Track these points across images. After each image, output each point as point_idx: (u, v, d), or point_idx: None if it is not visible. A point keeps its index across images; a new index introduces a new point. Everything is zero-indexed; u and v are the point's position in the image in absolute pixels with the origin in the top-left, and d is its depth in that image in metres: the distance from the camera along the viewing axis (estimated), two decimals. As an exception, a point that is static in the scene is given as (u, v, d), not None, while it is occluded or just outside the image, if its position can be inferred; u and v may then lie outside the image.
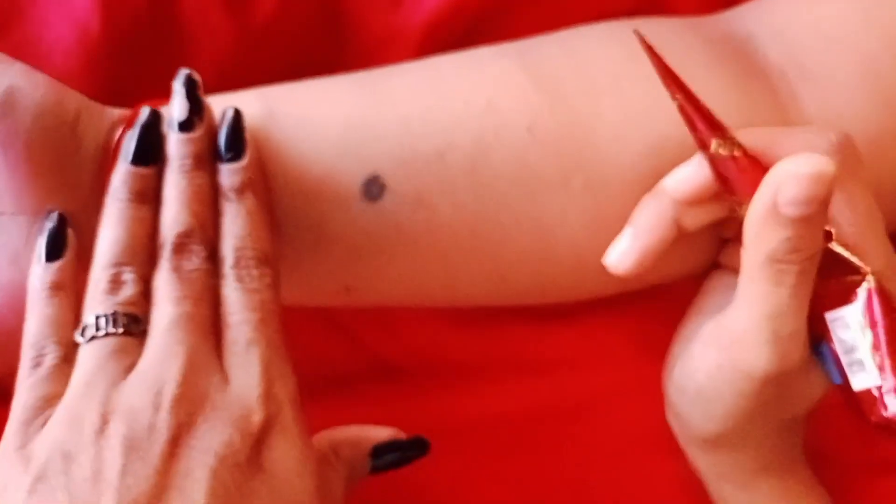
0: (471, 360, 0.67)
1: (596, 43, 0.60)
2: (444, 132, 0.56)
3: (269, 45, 0.65)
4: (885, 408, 0.51)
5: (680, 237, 0.55)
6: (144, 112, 0.53)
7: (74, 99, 0.53)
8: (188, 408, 0.47)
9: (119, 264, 0.51)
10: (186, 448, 0.46)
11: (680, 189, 0.55)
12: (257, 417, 0.48)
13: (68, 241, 0.52)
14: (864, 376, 0.52)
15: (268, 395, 0.48)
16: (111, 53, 0.63)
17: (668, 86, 0.53)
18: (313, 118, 0.56)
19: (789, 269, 0.50)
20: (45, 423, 0.48)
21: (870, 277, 0.52)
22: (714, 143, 0.53)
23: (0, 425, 0.49)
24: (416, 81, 0.58)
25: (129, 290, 0.50)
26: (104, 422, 0.46)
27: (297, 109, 0.56)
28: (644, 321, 0.64)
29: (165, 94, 0.53)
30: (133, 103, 0.55)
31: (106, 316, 0.49)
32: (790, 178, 0.49)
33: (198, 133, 0.52)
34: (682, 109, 0.53)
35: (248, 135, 0.53)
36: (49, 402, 0.48)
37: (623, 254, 0.56)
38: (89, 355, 0.49)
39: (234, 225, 0.52)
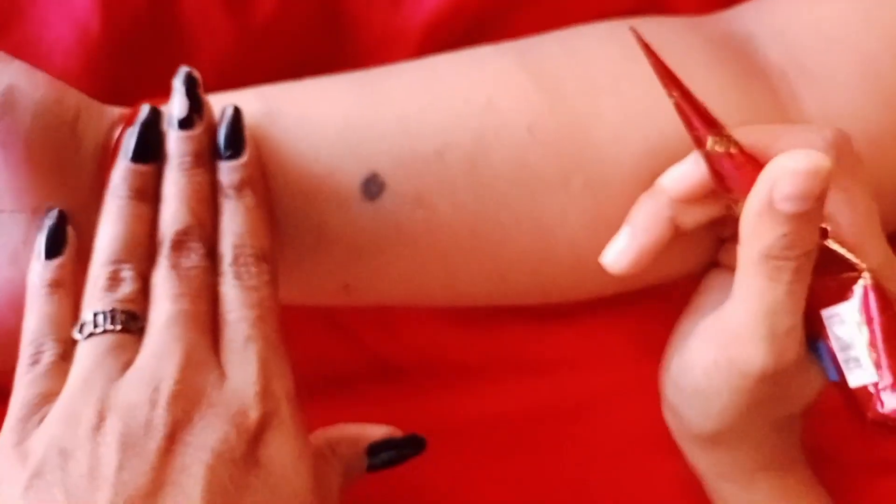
0: (471, 360, 0.67)
1: (596, 42, 0.60)
2: (444, 131, 0.56)
3: (269, 45, 0.65)
4: (882, 404, 0.51)
5: (677, 236, 0.55)
6: (144, 109, 0.53)
7: (74, 97, 0.54)
8: (185, 404, 0.47)
9: (118, 261, 0.51)
10: (183, 444, 0.46)
11: (676, 186, 0.55)
12: (254, 414, 0.48)
13: (68, 239, 0.52)
14: (860, 373, 0.52)
15: (265, 392, 0.48)
16: (111, 53, 0.63)
17: (664, 83, 0.53)
18: (312, 117, 0.56)
19: (785, 265, 0.50)
20: (42, 420, 0.48)
21: (866, 274, 0.52)
22: (710, 141, 0.53)
23: (-1, 422, 0.49)
24: (415, 80, 0.58)
25: (127, 287, 0.50)
26: (101, 418, 0.46)
27: (296, 108, 0.56)
28: (644, 321, 0.64)
29: (165, 94, 0.53)
30: (133, 103, 0.55)
31: (104, 313, 0.49)
32: (786, 173, 0.49)
33: (197, 131, 0.52)
34: (678, 107, 0.53)
35: (247, 132, 0.53)
36: (47, 398, 0.48)
37: (620, 253, 0.56)
38: (87, 352, 0.49)
39: (233, 222, 0.52)
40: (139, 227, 0.51)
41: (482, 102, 0.57)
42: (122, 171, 0.52)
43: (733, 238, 0.53)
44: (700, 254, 0.59)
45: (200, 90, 0.53)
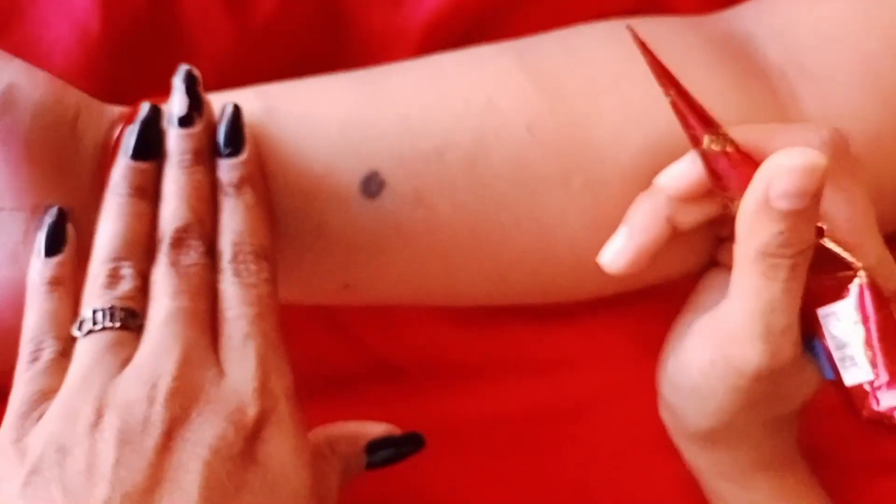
0: (471, 360, 0.67)
1: (596, 42, 0.60)
2: (444, 131, 0.56)
3: (269, 44, 0.65)
4: (878, 402, 0.51)
5: (674, 236, 0.55)
6: (145, 107, 0.53)
7: (74, 96, 0.54)
8: (183, 401, 0.47)
9: (117, 259, 0.51)
10: (180, 441, 0.46)
11: (673, 185, 0.54)
12: (252, 411, 0.48)
13: (68, 237, 0.52)
14: (855, 371, 0.52)
15: (263, 390, 0.48)
16: (111, 53, 0.63)
17: (661, 82, 0.53)
18: (312, 116, 0.56)
19: (782, 263, 0.50)
20: (41, 417, 0.48)
21: (862, 273, 0.52)
22: (706, 139, 0.53)
23: (-1, 421, 0.49)
24: (415, 80, 0.58)
25: (126, 284, 0.50)
26: (99, 415, 0.46)
27: (296, 107, 0.56)
28: (644, 321, 0.64)
29: (165, 94, 0.54)
30: (133, 103, 0.55)
31: (103, 310, 0.49)
32: (782, 171, 0.49)
33: (197, 129, 0.53)
34: (674, 106, 0.53)
35: (247, 130, 0.53)
36: (46, 395, 0.48)
37: (618, 253, 0.56)
38: (86, 349, 0.49)
39: (233, 220, 0.52)
40: (139, 224, 0.52)
41: (482, 102, 0.57)
42: (122, 169, 0.52)
43: (732, 237, 0.53)
44: (699, 253, 0.59)
45: (200, 88, 0.53)
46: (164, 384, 0.47)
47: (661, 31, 0.60)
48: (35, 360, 0.49)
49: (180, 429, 0.46)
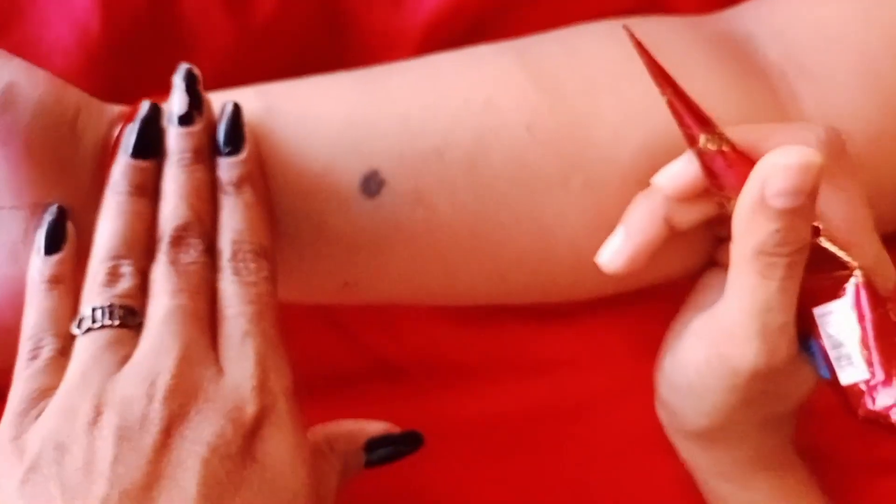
0: (471, 360, 0.67)
1: (595, 42, 0.60)
2: (444, 130, 0.56)
3: (269, 44, 0.65)
4: (873, 402, 0.51)
5: (672, 236, 0.55)
6: (145, 106, 0.53)
7: (74, 95, 0.54)
8: (181, 399, 0.47)
9: (117, 257, 0.51)
10: (179, 438, 0.46)
11: (670, 185, 0.54)
12: (251, 409, 0.48)
13: (67, 235, 0.52)
14: (851, 371, 0.52)
15: (262, 388, 0.48)
16: (111, 53, 0.63)
17: (657, 82, 0.53)
18: (312, 115, 0.56)
19: (778, 261, 0.50)
20: (40, 415, 0.48)
21: (857, 272, 0.52)
22: (702, 139, 0.53)
23: (-2, 420, 0.49)
24: (415, 79, 0.58)
25: (126, 282, 0.50)
26: (97, 413, 0.46)
27: (296, 106, 0.56)
28: (644, 321, 0.64)
29: (165, 94, 0.54)
30: (133, 103, 0.55)
31: (102, 308, 0.49)
32: (777, 169, 0.49)
33: (197, 127, 0.53)
34: (671, 105, 0.53)
35: (247, 129, 0.53)
36: (45, 393, 0.48)
37: (615, 252, 0.56)
38: (85, 347, 0.49)
39: (232, 219, 0.52)
40: (139, 223, 0.52)
41: (482, 102, 0.57)
42: (122, 167, 0.52)
43: (730, 237, 0.54)
44: (698, 253, 0.59)
45: (200, 87, 0.53)
46: (163, 382, 0.47)
47: (661, 30, 0.61)
48: (34, 357, 0.49)
49: (179, 426, 0.46)
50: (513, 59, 0.58)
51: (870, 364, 0.51)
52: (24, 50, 0.60)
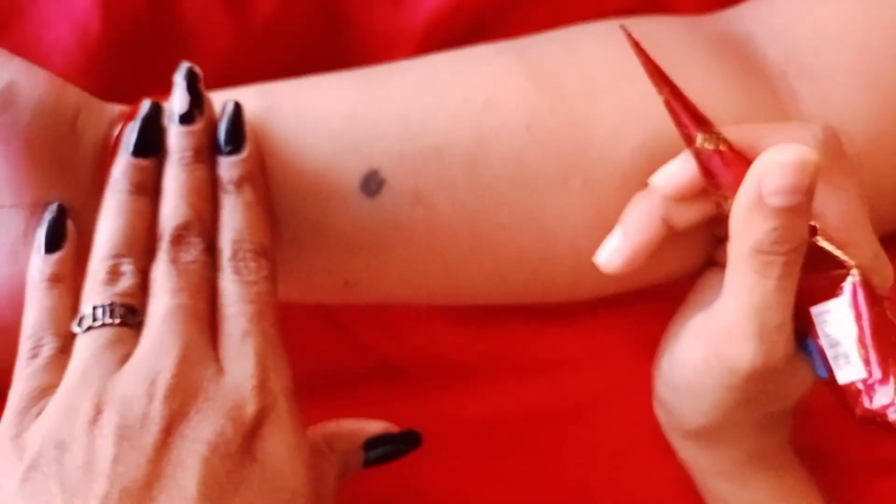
0: (471, 360, 0.67)
1: (595, 41, 0.60)
2: (444, 130, 0.56)
3: (269, 44, 0.65)
4: (871, 400, 0.51)
5: (671, 236, 0.55)
6: (146, 104, 0.53)
7: (74, 95, 0.54)
8: (182, 398, 0.47)
9: (117, 256, 0.51)
10: (179, 437, 0.46)
11: (668, 184, 0.54)
12: (251, 408, 0.48)
13: (68, 233, 0.52)
14: (849, 369, 0.52)
15: (262, 387, 0.48)
16: (111, 53, 0.63)
17: (654, 81, 0.53)
18: (312, 114, 0.56)
19: (775, 260, 0.50)
20: (40, 413, 0.48)
21: (854, 271, 0.52)
22: (699, 138, 0.53)
23: (-1, 419, 0.49)
24: (415, 79, 0.58)
25: (126, 281, 0.50)
26: (98, 411, 0.46)
27: (296, 105, 0.56)
28: (644, 321, 0.64)
29: (166, 94, 0.54)
30: (133, 103, 0.55)
31: (103, 307, 0.49)
32: (774, 167, 0.49)
33: (198, 126, 0.53)
34: (668, 105, 0.53)
35: (247, 128, 0.53)
36: (45, 392, 0.48)
37: (614, 252, 0.56)
38: (85, 345, 0.49)
39: (233, 218, 0.52)
40: (139, 221, 0.52)
41: (482, 102, 0.57)
42: (122, 166, 0.52)
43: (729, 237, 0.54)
44: (697, 253, 0.59)
45: (201, 85, 0.53)
46: (164, 381, 0.47)
47: (661, 30, 0.61)
48: (34, 356, 0.49)
49: (179, 425, 0.46)
50: (513, 59, 0.59)
51: (867, 363, 0.51)
52: (24, 50, 0.59)
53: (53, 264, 0.51)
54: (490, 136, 0.56)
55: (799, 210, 0.49)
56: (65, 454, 0.46)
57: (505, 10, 0.67)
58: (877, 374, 0.51)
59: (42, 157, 0.52)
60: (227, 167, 0.53)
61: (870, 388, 0.51)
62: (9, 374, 0.50)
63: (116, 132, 0.54)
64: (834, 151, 0.53)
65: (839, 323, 0.52)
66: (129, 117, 0.54)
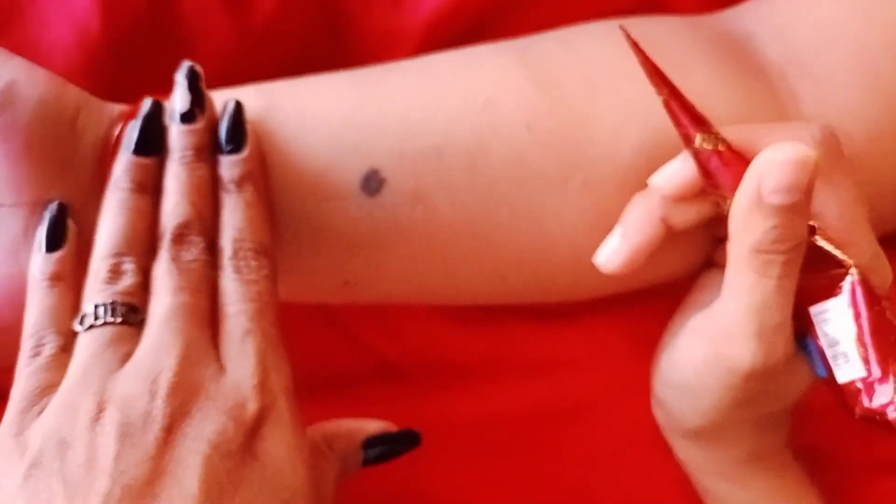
0: (471, 360, 0.67)
1: (595, 41, 0.60)
2: (443, 129, 0.56)
3: (269, 44, 0.65)
4: (870, 399, 0.52)
5: (670, 236, 0.55)
6: (147, 103, 0.53)
7: (74, 94, 0.54)
8: (183, 397, 0.47)
9: (119, 254, 0.51)
10: (180, 436, 0.46)
11: (667, 185, 0.55)
12: (252, 407, 0.48)
13: (68, 232, 0.52)
14: (848, 369, 0.52)
15: (263, 386, 0.48)
16: (111, 53, 0.63)
17: (653, 81, 0.53)
18: (312, 113, 0.56)
19: (775, 259, 0.50)
20: (42, 412, 0.48)
21: (853, 270, 0.52)
22: (698, 138, 0.53)
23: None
24: (415, 78, 0.58)
25: (128, 280, 0.50)
26: (100, 409, 0.46)
27: (296, 104, 0.56)
28: (644, 321, 0.64)
29: (166, 94, 0.54)
30: (133, 103, 0.55)
31: (104, 305, 0.49)
32: (773, 166, 0.49)
33: (199, 125, 0.53)
34: (666, 105, 0.53)
35: (248, 127, 0.53)
36: (46, 390, 0.48)
37: (613, 253, 0.56)
38: (87, 344, 0.49)
39: (233, 217, 0.52)
40: (140, 220, 0.52)
41: (481, 101, 0.57)
42: (123, 164, 0.52)
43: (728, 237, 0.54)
44: (697, 254, 0.59)
45: (202, 84, 0.53)
46: (165, 380, 0.47)
47: (661, 30, 0.61)
48: (36, 355, 0.49)
49: (180, 424, 0.46)
50: (512, 59, 0.59)
51: (866, 362, 0.51)
52: (24, 50, 0.59)
53: (54, 263, 0.51)
54: (490, 136, 0.56)
55: (798, 209, 0.49)
56: (67, 452, 0.46)
57: (505, 10, 0.66)
58: (876, 372, 0.51)
59: (42, 156, 0.52)
60: (228, 166, 0.53)
61: (869, 387, 0.51)
62: (10, 373, 0.50)
63: (117, 131, 0.54)
64: (833, 151, 0.53)
65: (838, 322, 0.52)
66: (129, 116, 0.54)
